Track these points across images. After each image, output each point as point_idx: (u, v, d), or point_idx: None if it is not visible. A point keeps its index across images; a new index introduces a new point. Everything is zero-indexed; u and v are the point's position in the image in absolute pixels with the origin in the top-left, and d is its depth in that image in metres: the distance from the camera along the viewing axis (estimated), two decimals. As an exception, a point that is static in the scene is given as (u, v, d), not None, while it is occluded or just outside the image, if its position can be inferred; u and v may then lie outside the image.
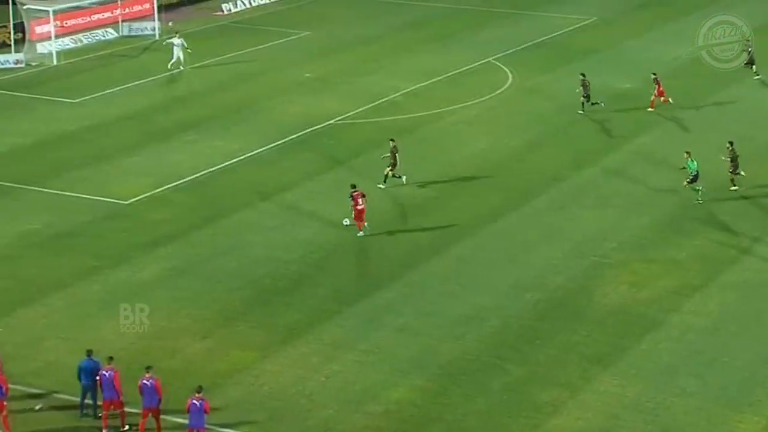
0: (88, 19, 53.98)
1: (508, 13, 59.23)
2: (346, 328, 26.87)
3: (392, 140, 35.49)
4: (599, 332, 26.77)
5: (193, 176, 36.39)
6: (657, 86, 42.58)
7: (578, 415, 23.49)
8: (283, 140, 39.81)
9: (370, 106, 43.78)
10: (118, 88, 46.02)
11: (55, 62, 49.29)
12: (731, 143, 34.96)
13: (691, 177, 33.92)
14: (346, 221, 31.99)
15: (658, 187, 35.19)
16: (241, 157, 38.12)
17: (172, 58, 47.68)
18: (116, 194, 34.66)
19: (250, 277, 29.36)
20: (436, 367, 25.21)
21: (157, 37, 53.73)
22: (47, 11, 50.42)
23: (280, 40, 53.77)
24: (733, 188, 34.60)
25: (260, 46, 52.57)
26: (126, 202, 34.14)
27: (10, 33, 50.59)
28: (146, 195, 34.72)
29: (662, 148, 38.78)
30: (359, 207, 31.56)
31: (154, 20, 54.84)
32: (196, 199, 34.59)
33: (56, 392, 23.82)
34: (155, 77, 47.51)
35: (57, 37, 50.73)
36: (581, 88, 42.16)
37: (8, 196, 34.49)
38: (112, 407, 22.57)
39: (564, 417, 23.38)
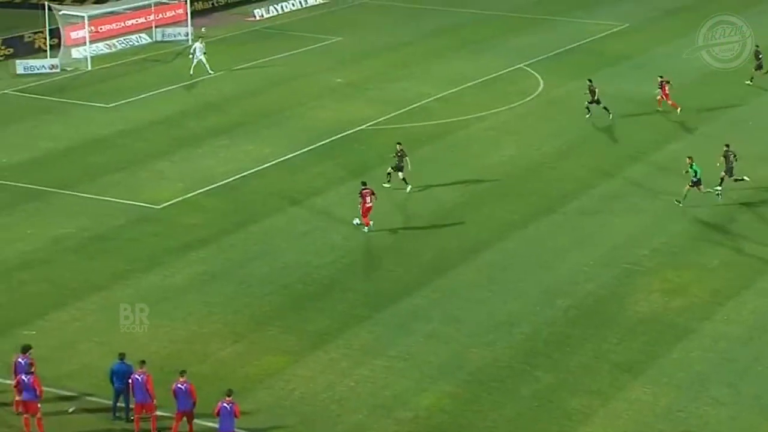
0: (122, 24, 54.35)
1: (539, 20, 59.04)
2: (376, 334, 26.82)
3: (399, 144, 35.66)
4: (630, 340, 26.56)
5: (225, 181, 36.51)
6: (662, 89, 42.29)
7: (609, 423, 23.30)
8: (314, 145, 39.87)
9: (400, 111, 43.77)
10: (151, 93, 46.31)
11: (89, 67, 49.68)
12: (728, 146, 34.77)
13: (692, 182, 33.63)
14: (356, 221, 32.15)
15: (690, 194, 34.84)
16: (272, 162, 38.21)
17: (192, 62, 47.89)
18: (149, 199, 34.84)
19: (281, 282, 29.39)
20: (466, 374, 25.12)
21: (189, 43, 54.01)
22: (82, 17, 50.85)
23: (312, 46, 53.90)
24: (718, 188, 34.23)
25: (292, 52, 52.71)
26: (158, 207, 34.31)
27: (45, 38, 51.06)
28: (178, 199, 34.87)
29: (693, 156, 38.41)
30: (367, 204, 31.98)
31: (187, 26, 55.14)
32: (227, 204, 34.69)
33: (89, 395, 23.94)
34: (188, 82, 47.76)
35: (91, 42, 51.11)
36: (588, 93, 41.94)
37: (42, 201, 34.76)
38: (144, 411, 22.65)
39: (594, 425, 23.21)
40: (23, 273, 29.74)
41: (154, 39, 54.13)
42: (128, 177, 36.82)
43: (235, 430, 22.00)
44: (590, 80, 42.75)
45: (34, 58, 50.03)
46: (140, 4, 54.52)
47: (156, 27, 54.84)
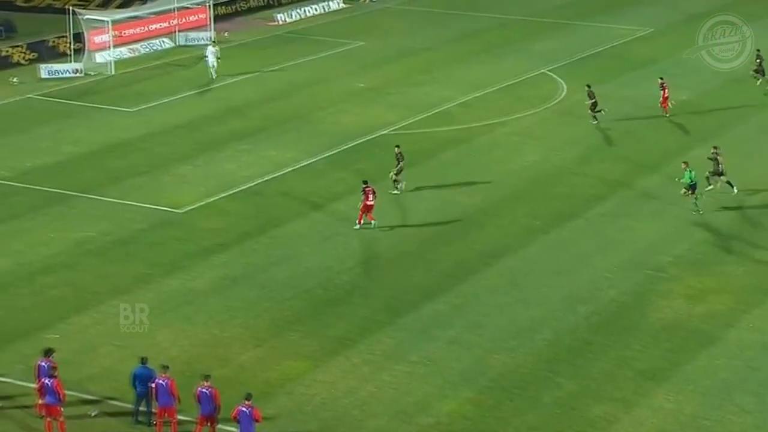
0: (145, 29, 54.63)
1: (562, 24, 58.88)
2: (398, 339, 26.77)
3: (397, 146, 35.90)
4: (654, 347, 26.38)
5: (247, 185, 36.57)
6: (663, 91, 42.19)
7: (632, 431, 23.15)
8: (335, 150, 39.88)
9: (422, 116, 43.74)
10: (173, 97, 46.49)
11: (112, 72, 49.93)
12: (716, 147, 34.80)
13: (687, 187, 33.53)
14: (357, 226, 32.58)
15: (714, 201, 34.64)
16: (294, 167, 38.25)
17: (213, 65, 48.03)
18: (170, 203, 34.94)
19: (303, 287, 29.40)
20: (488, 380, 25.02)
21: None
22: (105, 21, 51.14)
23: (334, 50, 53.96)
24: (709, 188, 34.26)
25: (314, 56, 52.80)
26: (180, 211, 34.41)
27: (69, 43, 51.37)
28: (200, 204, 34.96)
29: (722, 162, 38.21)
30: (369, 202, 32.39)
31: (209, 30, 55.33)
32: (249, 209, 34.75)
33: (111, 399, 24.01)
34: (210, 87, 47.91)
35: (114, 46, 51.40)
36: (588, 98, 41.80)
37: (64, 204, 34.93)
38: (166, 415, 22.68)
39: (618, 433, 23.07)
40: (46, 277, 29.89)
41: (176, 43, 54.35)
42: (150, 181, 36.95)
43: (256, 434, 21.99)
44: (588, 85, 42.74)
45: (57, 62, 50.33)
46: (163, 8, 54.77)
47: (179, 31, 55.06)
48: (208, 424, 22.37)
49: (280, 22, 59.83)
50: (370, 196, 32.54)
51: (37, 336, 26.43)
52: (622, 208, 34.71)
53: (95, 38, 51.10)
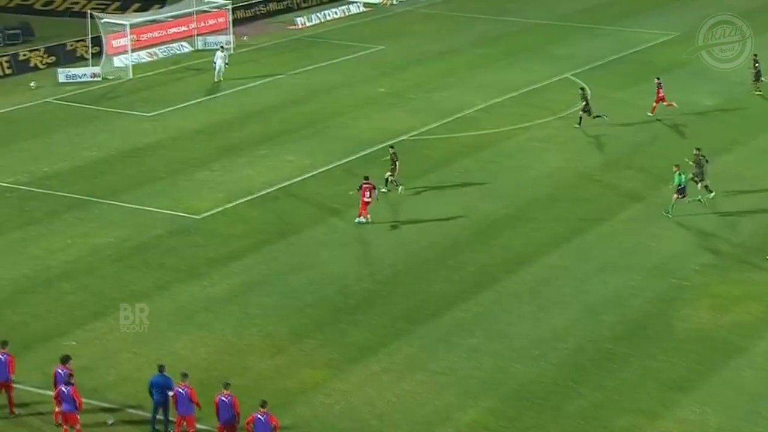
0: (164, 33, 54.85)
1: (585, 28, 58.76)
2: (418, 348, 26.77)
3: (392, 147, 36.28)
4: (679, 357, 26.27)
5: (265, 191, 36.68)
6: (657, 91, 42.14)
7: (656, 443, 23.08)
8: (355, 156, 39.93)
9: (443, 122, 43.75)
10: (192, 101, 46.70)
11: (130, 76, 50.22)
12: (699, 149, 34.88)
13: (678, 190, 33.58)
14: (362, 220, 33.02)
15: (741, 208, 34.51)
16: (313, 173, 38.34)
17: (220, 69, 48.36)
18: (189, 208, 35.10)
19: (321, 294, 29.46)
20: (509, 390, 24.99)
21: (231, 51, 54.42)
22: (124, 25, 51.42)
23: (354, 54, 54.07)
24: (708, 195, 34.36)
25: (334, 60, 52.92)
26: (198, 217, 34.55)
27: (87, 47, 51.69)
28: (219, 209, 35.10)
29: (745, 168, 38.06)
30: (366, 199, 32.97)
31: (228, 34, 55.56)
32: (267, 215, 34.86)
33: (129, 407, 24.13)
34: (228, 91, 48.11)
35: (133, 50, 51.66)
36: (582, 102, 41.70)
37: (82, 210, 35.14)
38: (185, 423, 22.77)
39: (641, 445, 22.99)
40: (63, 283, 30.08)
41: (195, 47, 54.57)
42: (169, 186, 37.13)
43: (273, 443, 22.03)
44: (582, 88, 42.76)
45: (76, 66, 50.66)
46: (182, 12, 55.03)
47: (197, 35, 55.31)
48: (227, 432, 22.46)
49: (300, 26, 59.98)
50: (367, 193, 33.14)
51: (54, 343, 26.60)
52: (646, 215, 34.59)
53: (113, 42, 51.38)
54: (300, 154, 40.26)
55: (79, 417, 22.71)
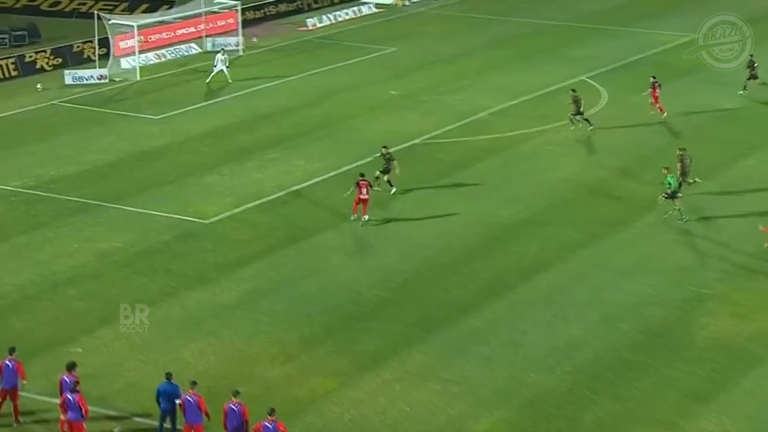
0: (172, 34, 54.96)
1: (602, 29, 58.66)
2: (431, 356, 26.71)
3: (384, 147, 36.50)
4: (699, 367, 26.14)
5: (275, 195, 36.68)
6: (652, 91, 42.16)
7: (675, 454, 22.97)
8: (366, 159, 39.86)
9: (457, 125, 43.70)
10: (200, 104, 46.79)
11: (138, 78, 50.33)
12: (683, 149, 35.18)
13: (667, 193, 33.54)
14: (366, 217, 33.36)
15: (762, 214, 34.31)
16: (324, 177, 38.32)
17: (221, 72, 48.45)
18: (197, 213, 35.12)
19: (332, 300, 29.42)
20: (524, 400, 24.90)
21: (241, 53, 54.53)
22: (131, 26, 51.53)
23: (366, 56, 54.08)
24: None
25: (345, 62, 52.95)
26: (207, 221, 34.57)
27: (94, 48, 51.84)
28: (227, 214, 35.11)
29: (765, 173, 37.87)
30: (362, 196, 33.16)
31: (238, 35, 55.64)
32: (277, 220, 34.85)
33: (136, 415, 24.13)
34: (238, 93, 48.18)
35: (141, 52, 51.78)
36: (572, 104, 41.66)
37: (89, 214, 35.19)
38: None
39: (660, 456, 22.88)
40: (69, 288, 30.12)
41: (204, 49, 54.66)
42: (176, 191, 37.16)
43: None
44: (574, 90, 42.75)
45: (82, 68, 50.79)
46: (191, 13, 55.14)
47: (206, 37, 55.40)
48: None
49: (311, 27, 60.03)
50: (363, 190, 33.33)
51: (60, 350, 26.61)
52: (664, 221, 34.45)
53: (121, 43, 51.51)
54: (310, 157, 40.26)
55: (85, 425, 22.69)
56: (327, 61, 53.09)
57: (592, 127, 41.97)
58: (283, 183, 37.71)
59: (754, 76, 45.71)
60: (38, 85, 48.73)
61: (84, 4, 62.29)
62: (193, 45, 55.03)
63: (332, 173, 38.68)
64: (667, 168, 34.32)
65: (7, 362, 23.64)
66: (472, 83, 49.31)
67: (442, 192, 36.38)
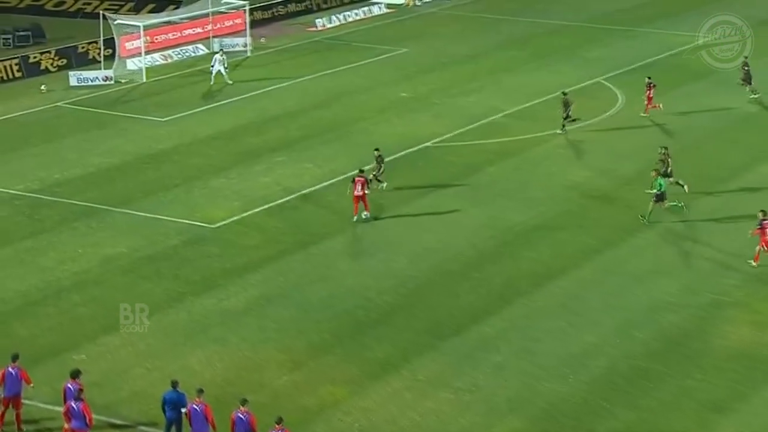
0: (179, 34, 55.08)
1: (618, 30, 58.58)
2: (442, 364, 26.65)
3: (377, 150, 37.00)
4: (717, 377, 26.03)
5: (283, 199, 36.68)
6: (648, 91, 42.14)
7: (693, 466, 22.86)
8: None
9: (469, 127, 43.66)
10: (207, 106, 46.85)
11: (144, 79, 50.41)
12: (665, 148, 35.61)
13: (656, 196, 33.69)
14: (366, 214, 33.73)
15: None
16: (333, 180, 38.30)
17: (218, 72, 48.57)
18: (204, 217, 35.13)
19: (341, 307, 29.38)
20: (537, 409, 24.82)
21: (248, 54, 54.59)
22: (137, 27, 51.63)
23: (376, 57, 54.09)
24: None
25: (355, 64, 52.96)
26: (214, 226, 34.58)
27: (99, 49, 51.93)
28: (234, 218, 35.12)
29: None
30: (357, 193, 33.67)
31: (245, 36, 55.70)
32: (285, 224, 34.84)
33: (141, 424, 24.12)
34: (245, 95, 48.22)
35: (147, 53, 51.87)
36: (562, 106, 41.67)
37: (94, 218, 35.22)
38: (198, 441, 22.73)
39: (677, 468, 22.79)
40: (74, 294, 30.14)
41: (211, 50, 54.72)
42: (183, 194, 37.19)
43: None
44: (565, 92, 42.76)
45: (87, 69, 50.87)
46: (197, 13, 55.22)
47: (213, 37, 55.47)
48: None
49: (320, 28, 60.08)
50: (358, 186, 33.61)
51: (64, 357, 26.63)
52: (683, 226, 34.34)
53: (127, 44, 51.62)
54: (319, 160, 40.25)
55: (89, 434, 22.70)
56: (336, 62, 53.12)
57: (563, 132, 41.93)
58: (292, 186, 37.71)
59: (746, 81, 45.56)
60: (42, 87, 48.85)
61: (89, 4, 62.46)
62: (200, 46, 55.11)
63: (341, 177, 38.60)
64: (656, 170, 34.36)
65: (11, 370, 23.67)
66: (484, 85, 49.27)
67: (453, 196, 36.30)
